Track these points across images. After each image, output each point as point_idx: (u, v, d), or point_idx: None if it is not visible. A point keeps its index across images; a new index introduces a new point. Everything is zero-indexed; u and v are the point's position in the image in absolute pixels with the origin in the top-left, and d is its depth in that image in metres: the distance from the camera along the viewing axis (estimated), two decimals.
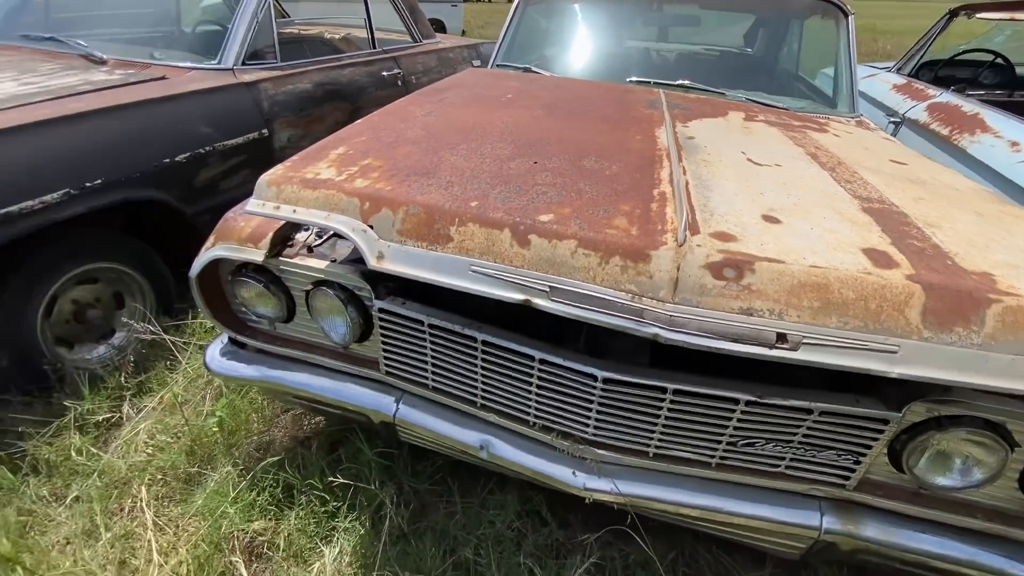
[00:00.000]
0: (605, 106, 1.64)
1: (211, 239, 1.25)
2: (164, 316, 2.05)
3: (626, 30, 2.74)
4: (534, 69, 2.30)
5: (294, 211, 1.00)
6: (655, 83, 2.14)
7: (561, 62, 2.42)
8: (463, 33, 10.93)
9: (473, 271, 0.91)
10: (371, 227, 0.97)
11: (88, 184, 1.69)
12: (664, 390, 0.97)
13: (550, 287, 0.86)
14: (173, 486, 1.51)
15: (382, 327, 1.18)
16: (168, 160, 1.93)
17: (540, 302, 0.86)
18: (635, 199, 0.97)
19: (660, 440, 1.05)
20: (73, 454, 1.53)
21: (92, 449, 1.55)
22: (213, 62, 2.28)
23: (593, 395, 1.01)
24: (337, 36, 3.93)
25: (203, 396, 1.67)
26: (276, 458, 1.43)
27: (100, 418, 1.64)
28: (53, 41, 2.29)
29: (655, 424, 1.02)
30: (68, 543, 1.39)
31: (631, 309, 0.81)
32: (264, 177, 1.05)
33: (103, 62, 2.16)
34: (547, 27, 2.58)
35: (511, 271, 0.89)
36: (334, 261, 1.22)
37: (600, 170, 1.11)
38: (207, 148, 2.08)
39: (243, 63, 2.35)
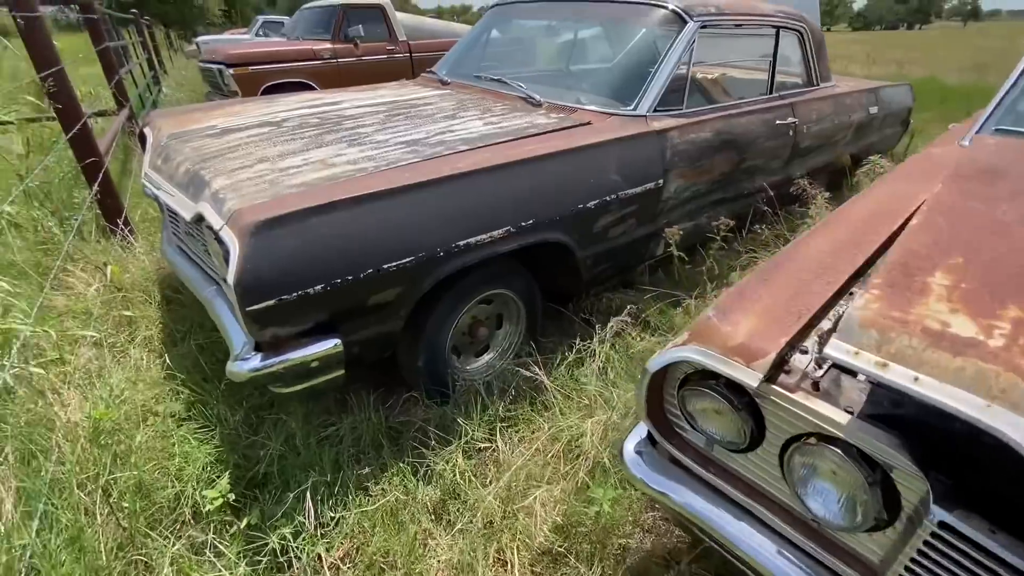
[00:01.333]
0: None
1: (684, 336, 1.06)
2: (531, 347, 2.10)
3: None
4: None
5: (916, 379, 0.68)
6: None
7: None
8: None
9: None
10: None
11: (523, 224, 1.78)
12: None
13: None
14: (535, 551, 1.44)
15: (928, 544, 0.79)
16: (581, 206, 1.94)
17: None
18: None
19: None
20: (457, 476, 1.61)
21: (473, 478, 1.60)
22: (629, 108, 2.25)
23: None
24: (710, 76, 3.71)
25: (575, 464, 1.58)
26: None
27: (481, 446, 1.70)
28: (500, 83, 2.61)
29: None
30: (443, 570, 1.43)
31: None
32: (856, 314, 0.77)
33: (539, 104, 2.34)
34: None
35: None
36: (851, 414, 0.88)
37: None
38: (611, 196, 2.03)
39: (655, 110, 2.27)
